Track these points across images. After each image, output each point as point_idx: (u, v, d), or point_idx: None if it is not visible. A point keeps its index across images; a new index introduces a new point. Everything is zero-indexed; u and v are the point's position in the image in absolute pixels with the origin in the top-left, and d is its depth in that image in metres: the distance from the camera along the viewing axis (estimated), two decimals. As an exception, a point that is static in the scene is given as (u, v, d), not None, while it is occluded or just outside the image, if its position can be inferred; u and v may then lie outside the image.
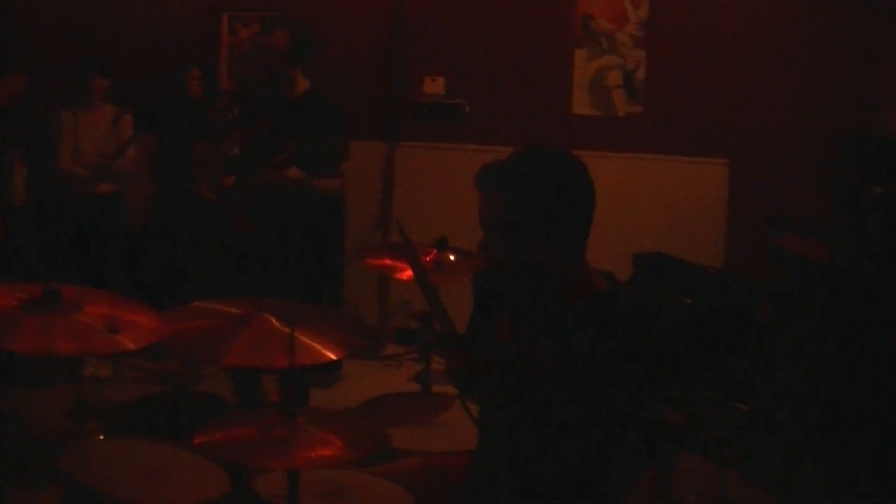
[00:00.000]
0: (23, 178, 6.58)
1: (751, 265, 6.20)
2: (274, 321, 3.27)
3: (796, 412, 4.57)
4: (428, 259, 4.52)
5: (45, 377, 6.08)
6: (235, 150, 5.60)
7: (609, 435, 2.74)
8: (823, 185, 6.28)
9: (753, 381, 4.70)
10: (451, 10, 7.54)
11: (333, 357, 3.25)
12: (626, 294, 2.77)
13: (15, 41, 7.80)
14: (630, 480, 2.81)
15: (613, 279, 2.87)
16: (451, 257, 4.55)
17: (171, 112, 7.16)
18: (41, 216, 6.75)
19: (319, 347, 3.21)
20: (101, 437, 3.53)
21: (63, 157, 6.64)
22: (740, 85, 7.12)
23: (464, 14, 7.52)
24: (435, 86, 7.52)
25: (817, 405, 4.54)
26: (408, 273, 4.54)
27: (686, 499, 4.62)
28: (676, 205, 7.14)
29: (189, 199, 6.98)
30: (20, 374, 5.98)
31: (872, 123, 6.58)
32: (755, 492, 4.61)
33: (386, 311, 7.68)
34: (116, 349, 3.30)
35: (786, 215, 6.13)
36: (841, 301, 4.58)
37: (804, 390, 4.60)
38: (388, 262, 4.80)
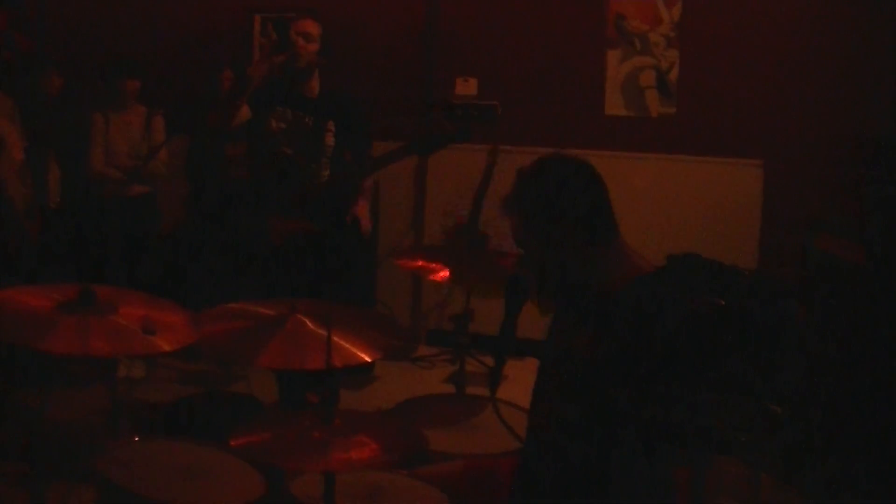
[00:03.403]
0: (57, 179, 6.60)
1: (785, 266, 6.16)
2: (309, 323, 3.26)
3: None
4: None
5: (80, 378, 6.10)
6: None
7: (610, 435, 2.71)
8: (855, 187, 6.23)
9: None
10: (484, 10, 7.53)
11: (368, 359, 3.23)
12: (626, 295, 2.74)
13: (49, 43, 7.85)
14: (635, 481, 2.77)
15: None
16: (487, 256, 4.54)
17: (203, 113, 7.16)
18: (74, 218, 6.76)
19: (354, 349, 3.19)
20: (137, 438, 3.53)
21: (95, 158, 6.66)
22: (774, 85, 7.06)
23: (496, 15, 7.50)
24: (467, 87, 7.51)
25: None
26: (441, 274, 4.53)
27: (720, 501, 4.59)
28: (710, 206, 7.09)
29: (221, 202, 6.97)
30: (55, 374, 6.00)
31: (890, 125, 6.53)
32: (789, 493, 4.59)
33: (418, 313, 7.67)
34: (152, 350, 3.28)
35: (820, 216, 6.09)
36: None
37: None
38: (421, 263, 4.78)
